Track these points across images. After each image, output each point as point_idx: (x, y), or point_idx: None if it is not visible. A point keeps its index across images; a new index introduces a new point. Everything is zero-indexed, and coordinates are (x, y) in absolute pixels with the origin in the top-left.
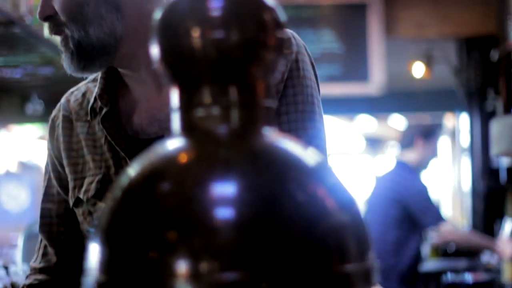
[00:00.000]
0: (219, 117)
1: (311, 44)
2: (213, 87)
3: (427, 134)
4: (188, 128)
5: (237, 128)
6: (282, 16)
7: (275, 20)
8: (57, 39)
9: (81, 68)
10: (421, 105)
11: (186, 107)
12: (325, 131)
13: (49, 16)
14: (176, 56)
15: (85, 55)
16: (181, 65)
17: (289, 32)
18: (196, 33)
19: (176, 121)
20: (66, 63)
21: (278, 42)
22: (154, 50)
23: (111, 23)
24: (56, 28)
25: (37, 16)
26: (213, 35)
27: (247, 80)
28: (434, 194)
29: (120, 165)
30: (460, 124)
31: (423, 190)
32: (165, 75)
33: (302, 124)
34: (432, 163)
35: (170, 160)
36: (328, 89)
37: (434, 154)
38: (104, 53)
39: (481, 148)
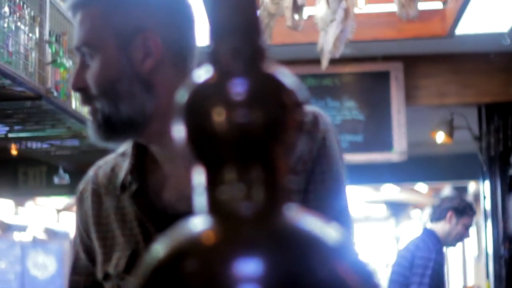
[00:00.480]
0: (242, 196)
1: (333, 112)
2: (236, 167)
3: (460, 212)
4: (212, 207)
5: (260, 206)
6: (303, 95)
7: (296, 101)
8: (85, 109)
9: (106, 138)
10: (443, 172)
11: (210, 186)
12: (349, 205)
13: (81, 88)
14: (200, 137)
15: (112, 129)
16: (205, 146)
17: (316, 110)
18: (219, 116)
19: (200, 200)
20: (91, 132)
21: (299, 121)
22: (179, 131)
23: (142, 102)
24: (87, 100)
25: (70, 86)
26: (236, 117)
27: (269, 159)
28: (451, 267)
29: (150, 241)
30: (482, 189)
31: (430, 260)
32: (190, 154)
33: (329, 202)
34: (460, 244)
35: (195, 239)
36: (350, 157)
37: (465, 233)
38: (131, 129)
39: (503, 213)
